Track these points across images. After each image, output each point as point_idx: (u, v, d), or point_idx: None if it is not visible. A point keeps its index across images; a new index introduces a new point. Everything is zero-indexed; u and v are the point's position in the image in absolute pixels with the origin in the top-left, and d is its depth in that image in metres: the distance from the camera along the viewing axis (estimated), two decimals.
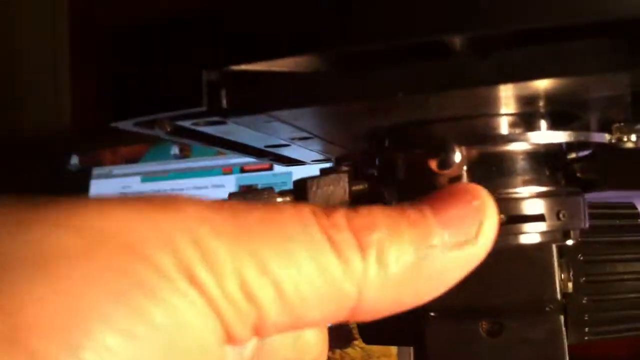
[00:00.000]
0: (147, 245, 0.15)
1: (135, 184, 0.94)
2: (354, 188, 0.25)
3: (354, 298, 0.17)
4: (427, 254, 0.18)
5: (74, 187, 0.92)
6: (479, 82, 0.19)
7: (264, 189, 0.24)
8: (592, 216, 0.38)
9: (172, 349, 0.14)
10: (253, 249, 0.16)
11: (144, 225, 0.15)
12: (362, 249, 0.17)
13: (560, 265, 0.33)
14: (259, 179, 0.89)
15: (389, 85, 0.19)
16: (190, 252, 0.15)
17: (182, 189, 0.92)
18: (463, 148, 0.23)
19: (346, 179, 0.24)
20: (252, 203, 0.17)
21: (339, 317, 0.17)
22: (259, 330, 0.16)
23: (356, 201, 0.25)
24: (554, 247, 0.30)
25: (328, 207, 0.17)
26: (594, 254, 0.37)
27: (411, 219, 0.18)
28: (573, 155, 0.25)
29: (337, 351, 0.77)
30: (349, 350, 0.79)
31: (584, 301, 0.38)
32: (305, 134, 0.25)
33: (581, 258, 0.38)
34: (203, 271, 0.15)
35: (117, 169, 0.95)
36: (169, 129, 0.22)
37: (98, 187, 0.94)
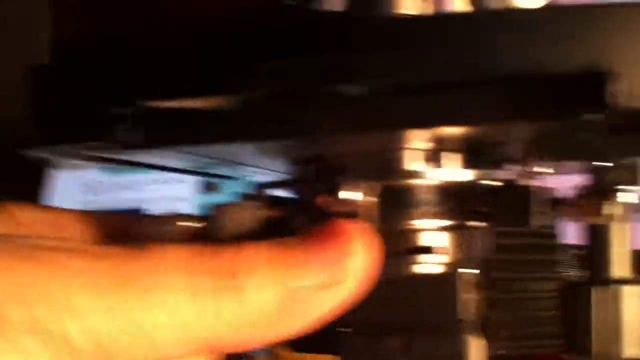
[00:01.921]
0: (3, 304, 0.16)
1: (95, 176, 0.94)
2: (267, 215, 0.26)
3: (212, 341, 0.18)
4: (296, 294, 0.19)
5: (33, 178, 0.92)
6: (371, 126, 0.20)
7: (179, 215, 0.25)
8: (509, 234, 0.40)
9: None
10: (108, 300, 0.17)
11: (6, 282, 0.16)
12: (238, 288, 0.18)
13: (467, 287, 0.35)
14: None
15: (290, 125, 0.21)
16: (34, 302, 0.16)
17: (143, 182, 0.92)
18: (369, 182, 0.25)
19: (260, 207, 0.26)
20: (115, 249, 0.18)
21: (199, 354, 0.19)
22: None
23: (272, 228, 0.26)
24: (456, 274, 0.31)
25: (212, 247, 0.19)
26: (508, 272, 0.39)
27: (287, 260, 0.19)
28: (479, 189, 0.26)
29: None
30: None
31: (498, 318, 0.40)
32: (227, 161, 0.26)
33: (496, 276, 0.40)
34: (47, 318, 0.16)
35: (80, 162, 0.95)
36: (84, 158, 0.23)
37: (58, 177, 0.95)
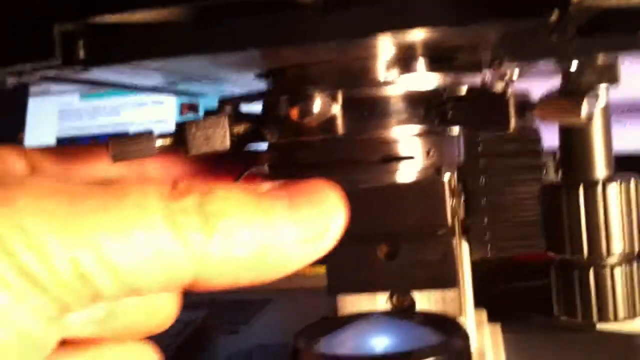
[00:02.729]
0: None
1: (74, 102, 0.92)
2: (235, 130, 0.25)
3: (191, 276, 0.18)
4: (272, 245, 0.19)
5: (9, 106, 0.91)
6: (321, 37, 0.19)
7: (142, 134, 0.24)
8: (493, 141, 0.40)
9: None
10: (88, 235, 0.16)
11: None
12: (208, 232, 0.18)
13: (453, 191, 0.35)
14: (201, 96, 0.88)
15: (239, 37, 0.20)
16: (19, 245, 0.16)
17: (122, 106, 0.91)
18: (337, 91, 0.24)
19: (226, 122, 0.25)
20: (94, 186, 0.18)
21: (176, 289, 0.19)
22: (98, 300, 0.17)
23: (238, 142, 0.26)
24: (443, 178, 0.31)
25: (185, 184, 0.18)
26: (494, 176, 0.39)
27: (265, 208, 0.19)
28: (448, 95, 0.25)
29: None
30: None
31: (485, 221, 0.40)
32: (182, 78, 0.25)
33: (483, 181, 0.39)
34: (34, 262, 0.16)
35: (54, 87, 0.93)
36: (37, 78, 0.22)
37: (35, 105, 0.93)
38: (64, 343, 0.19)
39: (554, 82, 0.29)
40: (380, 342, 0.28)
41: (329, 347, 0.28)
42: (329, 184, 0.21)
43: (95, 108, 0.91)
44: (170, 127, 0.25)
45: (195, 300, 0.65)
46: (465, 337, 0.28)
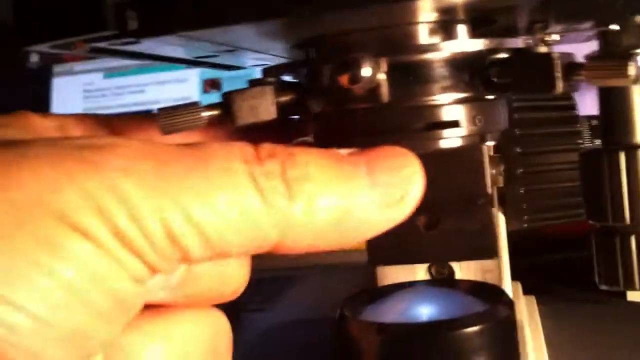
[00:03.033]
0: (74, 211, 0.16)
1: (97, 81, 0.93)
2: (280, 99, 0.25)
3: (274, 240, 0.18)
4: (353, 209, 0.19)
5: (35, 86, 0.91)
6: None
7: (190, 104, 0.24)
8: (529, 109, 0.39)
9: (89, 295, 0.16)
10: (177, 197, 0.17)
11: (71, 190, 0.16)
12: (291, 197, 0.18)
13: (492, 161, 0.35)
14: (223, 72, 0.88)
15: (294, 2, 0.20)
16: (114, 208, 0.16)
17: (145, 84, 0.91)
18: (381, 58, 0.24)
19: (271, 91, 0.25)
20: (181, 148, 0.18)
21: (259, 251, 0.19)
22: (184, 262, 0.18)
23: (283, 112, 0.26)
24: (483, 146, 0.31)
25: (267, 148, 0.18)
26: (530, 146, 0.39)
27: (345, 174, 0.19)
28: (490, 59, 0.25)
29: None
30: None
31: (521, 191, 0.40)
32: (228, 47, 0.25)
33: (519, 150, 0.39)
34: (128, 224, 0.16)
35: (78, 66, 0.94)
36: (87, 49, 0.22)
37: (60, 85, 0.93)
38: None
39: (583, 49, 0.29)
40: (425, 310, 0.28)
41: (375, 315, 0.28)
42: (408, 153, 0.21)
43: (119, 86, 0.91)
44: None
45: None
46: (509, 304, 0.28)
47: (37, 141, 0.17)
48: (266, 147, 0.19)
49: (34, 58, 0.94)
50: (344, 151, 0.20)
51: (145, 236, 0.16)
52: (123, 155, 0.17)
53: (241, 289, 0.22)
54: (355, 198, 0.19)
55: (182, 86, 0.90)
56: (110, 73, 0.92)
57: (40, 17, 0.21)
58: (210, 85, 0.90)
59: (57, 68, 0.94)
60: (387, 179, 0.20)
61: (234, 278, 0.21)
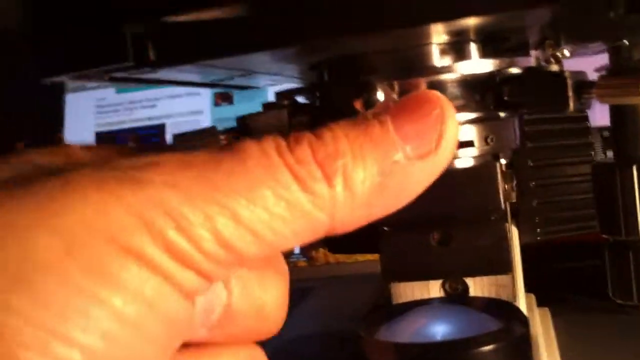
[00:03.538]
0: (122, 231, 0.16)
1: (109, 96, 0.93)
2: (294, 122, 0.26)
3: (326, 223, 0.18)
4: (391, 171, 0.18)
5: (48, 103, 0.92)
6: (396, 24, 0.19)
7: (205, 130, 0.25)
8: (540, 122, 0.39)
9: (150, 318, 0.16)
10: (223, 203, 0.17)
11: (118, 210, 0.16)
12: (328, 177, 0.18)
13: (505, 176, 0.35)
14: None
15: (311, 26, 0.20)
16: (162, 222, 0.16)
17: (157, 99, 0.92)
18: (394, 82, 0.24)
19: (286, 114, 0.25)
20: (218, 152, 0.18)
21: (316, 238, 0.19)
22: (241, 264, 0.18)
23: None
24: (497, 164, 0.31)
25: (293, 136, 0.18)
26: (543, 159, 0.39)
27: (374, 137, 0.18)
28: (502, 78, 0.25)
29: (320, 249, 0.79)
30: None
31: (534, 204, 0.40)
32: (243, 72, 0.25)
33: (531, 164, 0.39)
34: (176, 236, 0.16)
35: (90, 82, 0.94)
36: (106, 79, 0.22)
37: (72, 100, 0.94)
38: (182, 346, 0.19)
39: (592, 61, 0.29)
40: (440, 328, 0.28)
41: (391, 334, 0.28)
42: (434, 94, 0.20)
43: (132, 101, 0.92)
44: (206, 118, 0.25)
45: None
46: (524, 321, 0.29)
47: (80, 167, 0.17)
48: (294, 135, 0.18)
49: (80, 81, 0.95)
50: (369, 113, 0.19)
51: (195, 245, 0.16)
52: (164, 170, 0.17)
53: (280, 325, 0.22)
54: (389, 159, 0.18)
55: (194, 99, 0.91)
56: (122, 88, 0.93)
57: (59, 49, 0.21)
58: (222, 98, 0.91)
59: (70, 84, 0.95)
60: (417, 129, 0.19)
61: (273, 313, 0.21)
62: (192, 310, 0.17)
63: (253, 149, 0.18)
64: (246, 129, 0.25)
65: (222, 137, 0.25)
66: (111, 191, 0.16)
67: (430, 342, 0.27)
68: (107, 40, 0.20)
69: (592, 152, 0.40)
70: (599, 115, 0.42)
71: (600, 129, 0.47)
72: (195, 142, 0.24)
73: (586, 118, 0.40)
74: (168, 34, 0.21)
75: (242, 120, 0.25)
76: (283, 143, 0.18)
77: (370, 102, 0.22)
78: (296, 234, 0.18)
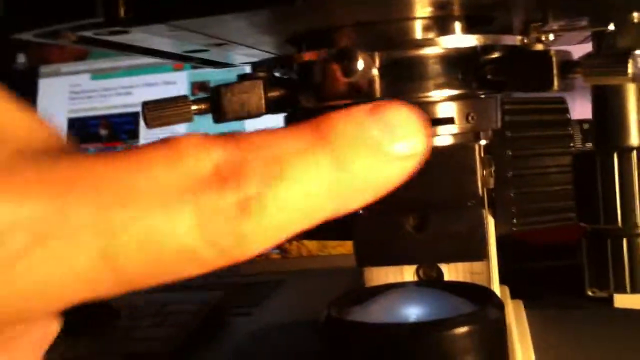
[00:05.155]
0: None
1: (84, 82, 0.92)
2: (269, 94, 0.25)
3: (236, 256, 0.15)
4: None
5: (21, 87, 0.90)
6: None
7: (178, 98, 0.24)
8: (520, 112, 0.39)
9: None
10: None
11: None
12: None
13: (483, 162, 0.34)
14: (212, 75, 0.88)
15: None
16: None
17: (132, 86, 0.90)
18: (375, 53, 0.23)
19: (261, 86, 0.24)
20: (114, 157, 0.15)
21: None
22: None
23: (273, 107, 0.25)
24: (475, 146, 0.31)
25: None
26: (521, 148, 0.39)
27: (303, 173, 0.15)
28: (485, 57, 0.25)
29: (294, 242, 0.79)
30: (305, 241, 0.81)
31: (511, 194, 0.39)
32: (219, 41, 0.24)
33: (509, 153, 0.39)
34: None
35: (65, 67, 0.93)
36: (73, 39, 0.21)
37: (46, 85, 0.92)
38: None
39: (576, 52, 0.29)
40: (413, 311, 0.28)
41: (362, 316, 0.27)
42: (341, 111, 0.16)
43: (107, 88, 0.91)
44: None
45: (210, 283, 0.65)
46: (499, 305, 0.28)
47: None
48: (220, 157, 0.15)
49: (21, 59, 0.93)
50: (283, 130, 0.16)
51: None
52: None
53: None
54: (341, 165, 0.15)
55: (170, 88, 0.89)
56: (97, 75, 0.92)
57: (28, 5, 0.20)
58: (199, 88, 0.89)
59: (43, 69, 0.93)
60: (401, 130, 0.16)
61: None
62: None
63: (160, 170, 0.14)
64: (217, 100, 0.24)
65: (194, 107, 0.24)
66: None
67: (403, 322, 0.27)
68: None
69: (572, 144, 0.40)
70: (579, 108, 0.42)
71: (580, 122, 0.47)
72: (166, 108, 0.23)
73: (566, 109, 0.39)
74: None
75: (216, 89, 0.24)
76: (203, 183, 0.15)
77: (350, 70, 0.22)
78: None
